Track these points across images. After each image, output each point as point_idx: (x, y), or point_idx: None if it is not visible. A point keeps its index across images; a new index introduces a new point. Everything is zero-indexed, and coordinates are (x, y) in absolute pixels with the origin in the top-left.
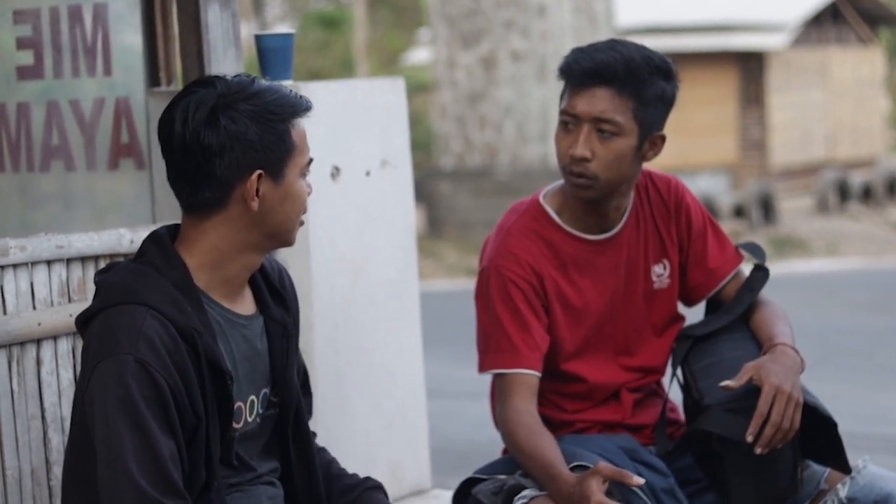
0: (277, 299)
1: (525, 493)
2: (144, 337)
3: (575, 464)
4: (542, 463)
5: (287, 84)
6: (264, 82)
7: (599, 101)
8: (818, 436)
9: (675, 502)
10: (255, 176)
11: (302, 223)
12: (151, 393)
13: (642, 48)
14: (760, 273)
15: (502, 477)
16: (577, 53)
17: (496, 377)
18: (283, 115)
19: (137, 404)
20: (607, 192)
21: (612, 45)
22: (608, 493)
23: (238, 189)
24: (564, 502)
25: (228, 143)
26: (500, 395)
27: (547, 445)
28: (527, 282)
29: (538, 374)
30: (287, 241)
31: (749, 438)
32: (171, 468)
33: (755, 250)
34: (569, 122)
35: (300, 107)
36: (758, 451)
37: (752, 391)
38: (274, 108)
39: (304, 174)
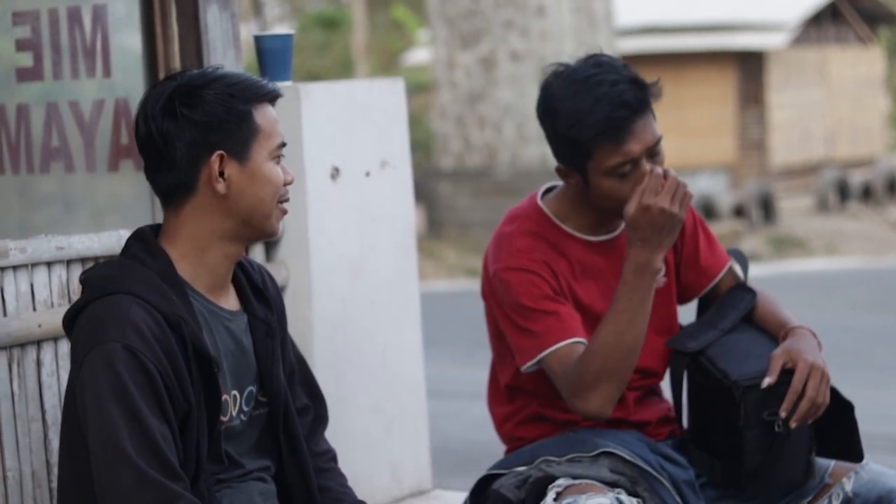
0: (260, 298)
1: (559, 482)
2: (132, 324)
3: (600, 450)
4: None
5: (286, 85)
6: (231, 71)
7: (647, 130)
8: (831, 423)
9: (695, 495)
10: (215, 156)
11: (286, 211)
12: (142, 379)
13: (623, 65)
14: (748, 296)
15: (522, 469)
16: (605, 104)
17: (546, 359)
18: (243, 98)
19: (129, 390)
20: None
21: (615, 74)
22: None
23: (203, 172)
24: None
25: (186, 126)
26: (559, 369)
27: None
28: (543, 269)
29: (585, 342)
30: (265, 229)
31: (783, 414)
32: (167, 451)
33: (739, 257)
34: (626, 171)
35: (263, 90)
36: (793, 424)
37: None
38: (233, 91)
39: (275, 158)
